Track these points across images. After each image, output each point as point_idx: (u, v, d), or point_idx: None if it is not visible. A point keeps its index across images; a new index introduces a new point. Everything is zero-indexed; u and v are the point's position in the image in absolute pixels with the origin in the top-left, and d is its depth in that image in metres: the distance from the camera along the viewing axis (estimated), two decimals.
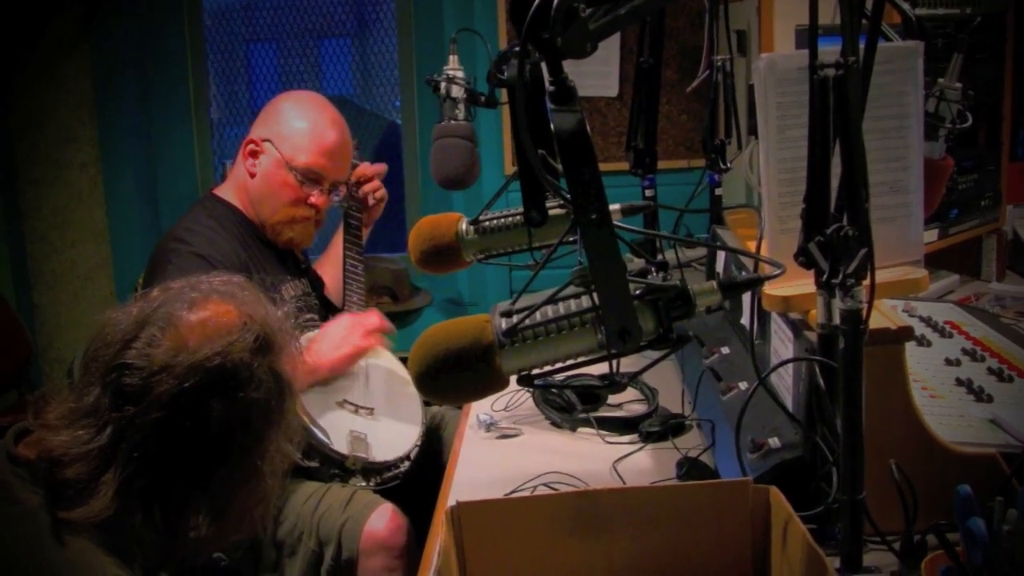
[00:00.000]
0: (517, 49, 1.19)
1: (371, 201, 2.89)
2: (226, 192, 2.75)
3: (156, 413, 1.45)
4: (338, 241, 2.98)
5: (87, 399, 1.48)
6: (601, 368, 1.31)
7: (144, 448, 1.45)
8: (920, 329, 2.19)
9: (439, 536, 1.68)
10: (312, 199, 2.69)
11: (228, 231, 2.66)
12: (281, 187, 2.67)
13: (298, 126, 2.68)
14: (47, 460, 1.47)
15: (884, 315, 1.67)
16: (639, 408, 2.40)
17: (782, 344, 1.82)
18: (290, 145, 2.66)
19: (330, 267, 3.02)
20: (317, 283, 2.96)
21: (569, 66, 1.16)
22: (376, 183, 2.90)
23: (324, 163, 2.68)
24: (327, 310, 2.93)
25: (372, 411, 2.62)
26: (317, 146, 2.67)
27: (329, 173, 2.70)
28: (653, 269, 1.28)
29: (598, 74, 3.99)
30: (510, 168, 4.06)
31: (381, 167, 2.93)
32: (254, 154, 2.70)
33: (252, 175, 2.70)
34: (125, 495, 1.46)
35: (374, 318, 2.69)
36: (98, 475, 1.45)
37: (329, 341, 2.59)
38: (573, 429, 2.34)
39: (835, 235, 1.32)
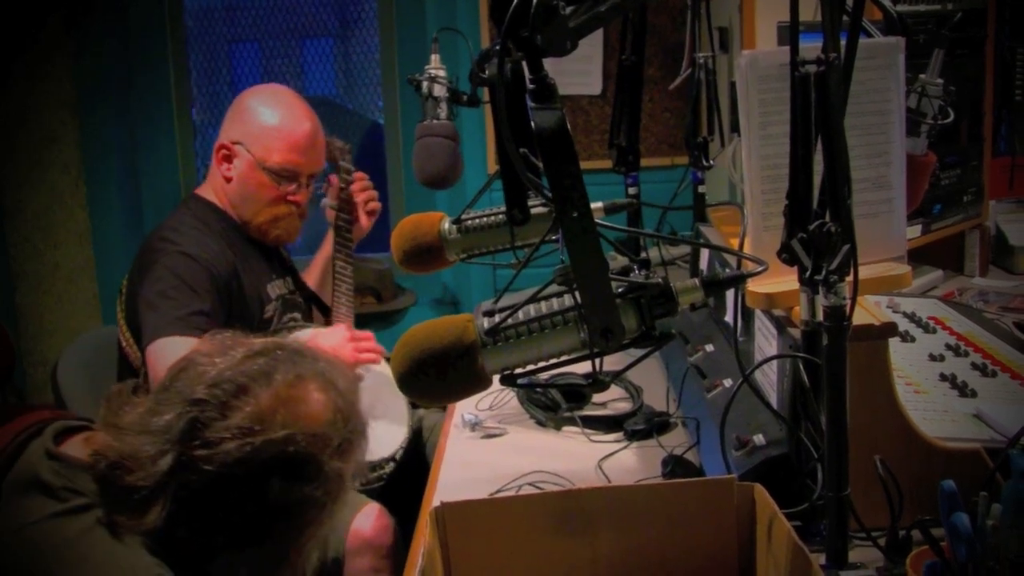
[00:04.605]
0: (498, 48, 1.19)
1: (363, 211, 2.87)
2: (207, 192, 2.74)
3: (215, 467, 1.41)
4: (321, 255, 2.97)
5: (162, 417, 1.44)
6: (585, 366, 1.31)
7: (192, 492, 1.42)
8: (904, 325, 2.20)
9: (424, 536, 1.67)
10: (291, 196, 2.68)
11: (213, 231, 2.65)
12: (258, 188, 2.65)
13: (267, 124, 2.65)
14: (105, 459, 1.44)
15: (867, 311, 1.67)
16: (624, 406, 2.40)
17: (766, 341, 1.82)
18: (261, 145, 2.64)
19: (313, 278, 3.01)
20: (302, 281, 2.94)
21: (551, 64, 1.16)
22: (373, 193, 2.89)
23: (298, 159, 2.66)
24: (310, 305, 2.92)
25: None
26: (288, 143, 2.65)
27: (304, 167, 2.68)
28: (636, 267, 1.28)
29: (581, 72, 3.99)
30: (493, 167, 4.06)
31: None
32: (227, 158, 2.68)
33: (228, 179, 2.68)
34: (165, 530, 1.43)
35: (370, 342, 2.66)
36: (151, 499, 1.42)
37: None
38: (558, 428, 2.34)
39: (818, 232, 1.31)
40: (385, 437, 2.61)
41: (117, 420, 1.49)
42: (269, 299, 2.72)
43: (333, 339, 2.60)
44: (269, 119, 2.66)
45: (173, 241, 2.55)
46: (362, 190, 2.87)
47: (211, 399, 1.43)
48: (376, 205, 2.91)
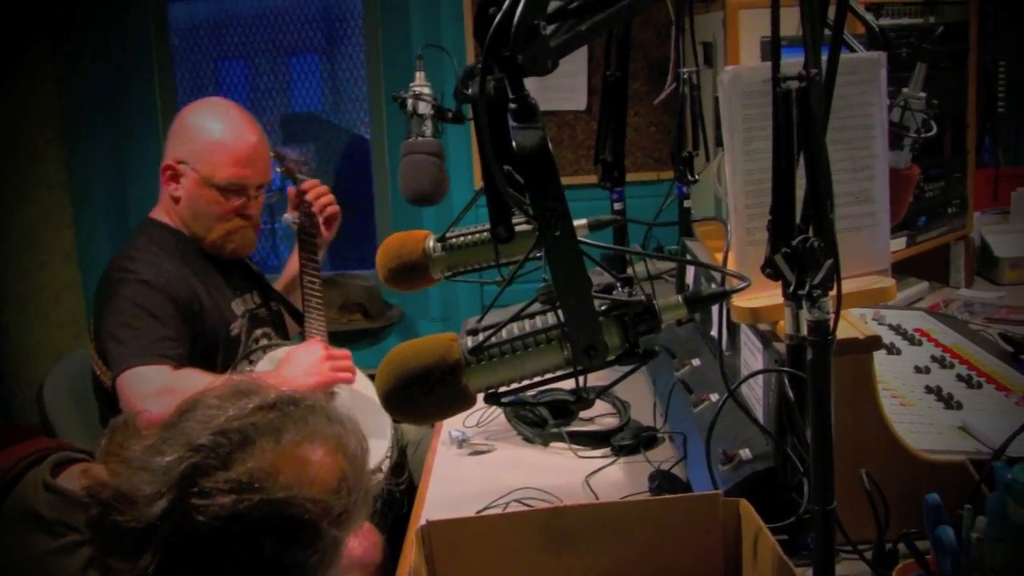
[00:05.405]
0: (481, 66, 1.19)
1: (322, 216, 2.84)
2: (160, 214, 2.71)
3: (209, 518, 1.35)
4: (290, 268, 2.96)
5: (164, 457, 1.39)
6: (572, 382, 1.31)
7: (183, 540, 1.36)
8: (889, 337, 2.20)
9: (410, 555, 1.67)
10: (241, 209, 2.66)
11: (170, 253, 2.62)
12: (208, 205, 2.63)
13: (209, 140, 2.62)
14: (98, 498, 1.38)
15: (852, 324, 1.68)
16: (611, 422, 2.40)
17: (752, 355, 1.82)
18: (206, 162, 2.61)
19: (283, 291, 2.99)
20: (269, 292, 2.93)
21: (536, 80, 1.16)
22: (329, 197, 2.86)
23: (243, 172, 2.63)
24: (281, 317, 2.90)
25: None
26: (233, 156, 2.61)
27: (252, 179, 2.65)
28: (619, 284, 1.28)
29: (566, 87, 3.99)
30: (479, 183, 4.06)
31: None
32: (174, 178, 2.65)
33: (177, 199, 2.65)
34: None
35: (347, 360, 2.62)
36: (143, 542, 1.38)
37: (299, 367, 2.51)
38: (545, 444, 2.33)
39: (801, 246, 1.32)
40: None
41: (121, 452, 1.45)
42: (235, 316, 2.69)
43: (310, 358, 2.55)
44: (211, 135, 2.63)
45: (130, 270, 2.53)
46: (316, 197, 2.84)
47: (214, 447, 1.38)
48: (333, 209, 2.86)
